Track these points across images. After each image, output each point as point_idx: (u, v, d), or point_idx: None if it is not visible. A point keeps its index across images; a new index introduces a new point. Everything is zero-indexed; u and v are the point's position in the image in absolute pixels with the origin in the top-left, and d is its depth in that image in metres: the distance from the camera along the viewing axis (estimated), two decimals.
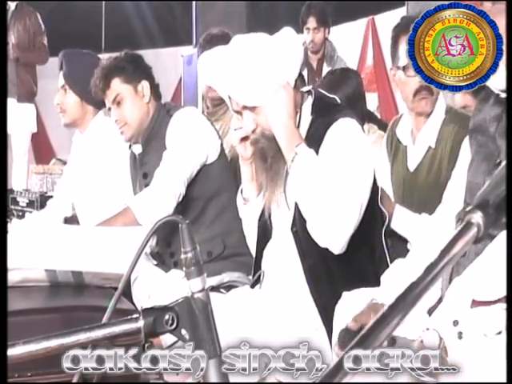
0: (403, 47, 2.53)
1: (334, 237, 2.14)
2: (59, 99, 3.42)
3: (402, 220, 2.52)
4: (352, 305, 1.94)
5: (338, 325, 1.94)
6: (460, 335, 1.64)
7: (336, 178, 2.13)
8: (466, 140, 2.51)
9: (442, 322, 1.66)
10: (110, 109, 3.02)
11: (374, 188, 2.25)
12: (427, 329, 1.63)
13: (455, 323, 1.66)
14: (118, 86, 2.97)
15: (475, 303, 1.65)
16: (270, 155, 2.27)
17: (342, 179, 2.13)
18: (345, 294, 2.00)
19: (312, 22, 5.24)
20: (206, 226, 2.89)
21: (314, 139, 2.23)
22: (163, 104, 3.09)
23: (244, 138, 2.30)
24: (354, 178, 2.15)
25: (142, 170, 3.00)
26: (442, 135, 2.56)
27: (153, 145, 2.96)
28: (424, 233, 2.48)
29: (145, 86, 3.00)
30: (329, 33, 5.33)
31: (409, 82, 2.52)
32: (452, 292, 1.72)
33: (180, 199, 2.83)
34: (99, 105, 3.25)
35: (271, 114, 2.20)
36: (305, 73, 4.37)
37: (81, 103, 3.38)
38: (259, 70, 2.21)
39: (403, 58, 2.50)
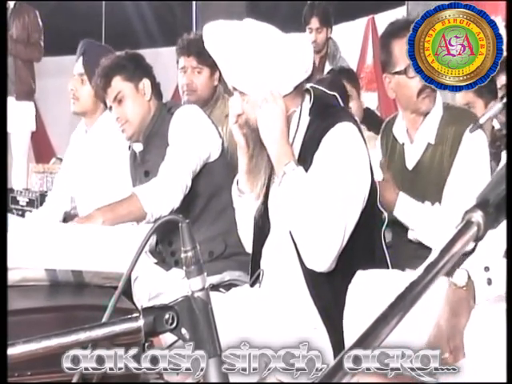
0: (397, 52, 2.52)
1: (318, 259, 2.13)
2: (74, 86, 3.40)
3: (405, 208, 2.52)
4: (365, 284, 1.95)
5: (350, 304, 1.95)
6: (489, 281, 1.69)
7: (324, 194, 2.11)
8: (466, 135, 2.51)
9: (473, 266, 1.70)
10: (111, 107, 3.01)
11: (373, 189, 2.24)
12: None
13: (486, 269, 1.70)
14: (118, 83, 2.96)
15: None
16: (251, 145, 2.27)
17: (330, 195, 2.11)
18: (359, 273, 2.00)
19: (315, 23, 5.24)
20: (207, 225, 2.88)
21: (310, 144, 2.21)
22: (164, 103, 3.08)
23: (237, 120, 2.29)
24: (343, 192, 2.13)
25: (143, 168, 3.00)
26: (442, 131, 2.55)
27: (154, 142, 2.95)
28: (427, 221, 2.49)
29: (146, 84, 2.99)
30: (331, 32, 5.34)
31: (411, 83, 2.50)
32: (487, 240, 1.75)
33: (187, 191, 2.81)
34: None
35: (262, 127, 2.19)
36: None
37: (95, 97, 3.36)
38: (260, 59, 2.18)
39: (401, 63, 2.49)
